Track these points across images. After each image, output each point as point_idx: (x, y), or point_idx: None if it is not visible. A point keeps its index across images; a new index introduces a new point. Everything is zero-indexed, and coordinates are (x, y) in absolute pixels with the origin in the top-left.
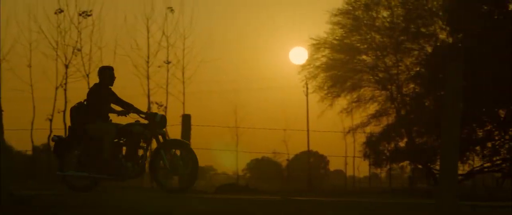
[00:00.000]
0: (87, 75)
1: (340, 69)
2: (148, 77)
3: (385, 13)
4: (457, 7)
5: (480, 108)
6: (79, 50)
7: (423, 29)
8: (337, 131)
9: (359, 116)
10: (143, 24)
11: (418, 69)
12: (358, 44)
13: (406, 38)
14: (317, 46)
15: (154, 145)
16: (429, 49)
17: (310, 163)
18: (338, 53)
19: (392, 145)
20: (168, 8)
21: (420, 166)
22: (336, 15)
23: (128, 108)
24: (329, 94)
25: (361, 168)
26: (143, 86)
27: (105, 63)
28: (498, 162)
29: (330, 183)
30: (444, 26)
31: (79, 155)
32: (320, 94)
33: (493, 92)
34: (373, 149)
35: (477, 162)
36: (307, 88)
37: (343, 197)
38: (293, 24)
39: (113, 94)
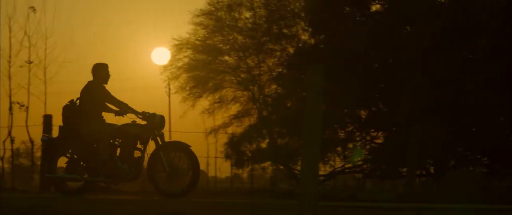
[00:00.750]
0: None
1: (202, 70)
2: (9, 77)
3: (247, 14)
4: (319, 8)
5: (342, 109)
6: None
7: (285, 31)
8: (199, 132)
9: (221, 117)
10: (5, 23)
11: (280, 70)
12: (221, 45)
13: (269, 39)
14: (179, 46)
15: (152, 146)
16: (291, 50)
17: None
18: (200, 54)
19: (254, 146)
20: (30, 7)
21: (281, 167)
22: (198, 15)
23: (124, 108)
24: (191, 95)
25: (223, 169)
26: (5, 87)
27: None
28: (359, 163)
29: None
30: (306, 28)
31: (71, 156)
32: (183, 94)
33: (355, 93)
34: (235, 149)
35: (338, 163)
36: (169, 88)
37: (204, 197)
38: (155, 24)
39: (108, 93)
